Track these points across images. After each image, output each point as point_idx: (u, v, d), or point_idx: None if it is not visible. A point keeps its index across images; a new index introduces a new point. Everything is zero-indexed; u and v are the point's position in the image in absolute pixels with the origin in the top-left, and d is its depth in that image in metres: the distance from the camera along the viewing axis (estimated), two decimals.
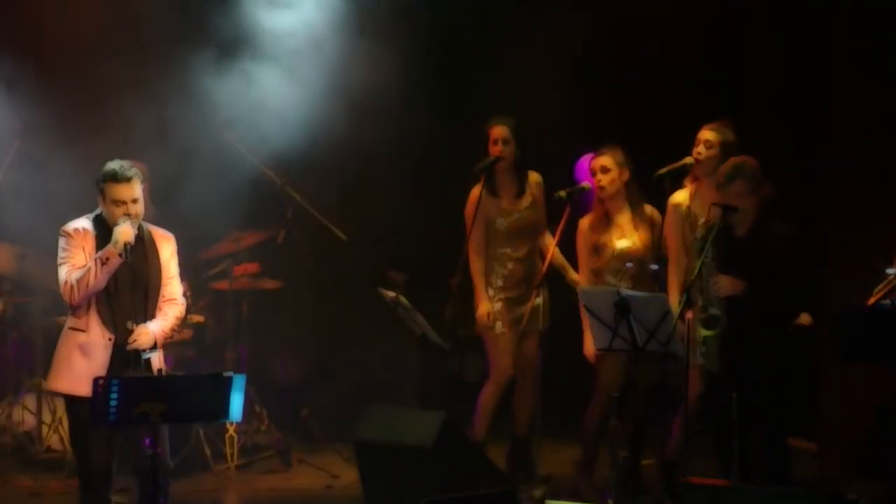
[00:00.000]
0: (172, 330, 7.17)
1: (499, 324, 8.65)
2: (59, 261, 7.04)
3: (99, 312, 7.02)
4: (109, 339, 6.99)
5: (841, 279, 8.63)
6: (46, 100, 9.63)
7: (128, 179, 7.01)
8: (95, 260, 6.94)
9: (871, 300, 7.17)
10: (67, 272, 7.00)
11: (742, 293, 7.43)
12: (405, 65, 10.00)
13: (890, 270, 7.07)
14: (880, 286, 7.18)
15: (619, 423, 8.13)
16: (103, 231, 7.04)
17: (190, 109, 9.76)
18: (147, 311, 7.09)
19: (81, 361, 6.99)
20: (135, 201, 7.02)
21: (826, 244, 9.24)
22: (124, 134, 9.64)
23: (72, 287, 6.95)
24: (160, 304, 7.16)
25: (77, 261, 6.99)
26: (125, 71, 9.74)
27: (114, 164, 7.06)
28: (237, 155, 9.66)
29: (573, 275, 8.66)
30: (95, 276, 6.93)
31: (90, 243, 7.04)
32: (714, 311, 7.45)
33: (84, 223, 7.08)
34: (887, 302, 7.09)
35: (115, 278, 7.00)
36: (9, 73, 9.44)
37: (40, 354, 9.36)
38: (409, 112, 10.20)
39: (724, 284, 7.44)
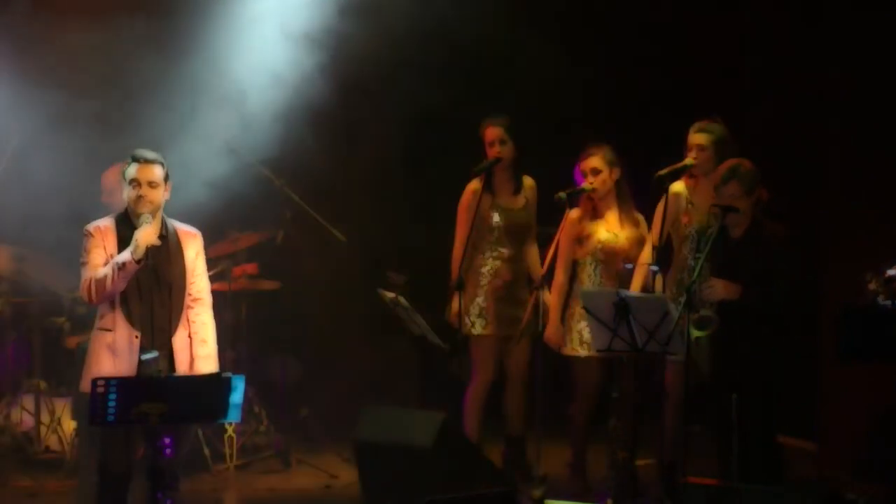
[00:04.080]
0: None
1: (480, 323, 8.62)
2: (81, 260, 7.08)
3: (124, 311, 7.02)
4: (136, 338, 6.99)
5: (840, 279, 8.62)
6: (46, 100, 9.64)
7: (149, 161, 7.08)
8: (113, 265, 6.95)
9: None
10: (87, 272, 7.02)
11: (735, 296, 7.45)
12: (404, 63, 10.01)
13: (891, 271, 7.06)
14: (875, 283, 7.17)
15: (618, 423, 8.15)
16: (124, 229, 7.06)
17: (187, 108, 9.76)
18: (172, 311, 7.10)
19: (109, 361, 6.99)
20: (151, 185, 7.05)
21: (825, 245, 9.25)
22: (123, 135, 9.66)
23: (90, 287, 6.98)
24: (188, 302, 7.19)
25: (97, 260, 7.01)
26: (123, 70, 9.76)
27: (138, 151, 7.13)
28: (235, 155, 9.65)
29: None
30: (113, 280, 6.94)
31: (111, 242, 7.05)
32: (706, 312, 7.44)
33: (106, 222, 7.11)
34: (887, 302, 7.08)
35: (137, 278, 7.00)
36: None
37: (39, 355, 9.36)
38: (410, 109, 10.21)
39: (718, 289, 7.44)
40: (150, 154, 7.10)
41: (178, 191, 9.05)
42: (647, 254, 8.19)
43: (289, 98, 9.79)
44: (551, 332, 8.42)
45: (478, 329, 8.60)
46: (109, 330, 7.04)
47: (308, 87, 9.72)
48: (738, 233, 7.54)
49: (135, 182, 7.05)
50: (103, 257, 7.01)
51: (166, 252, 7.09)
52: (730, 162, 7.59)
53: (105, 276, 6.94)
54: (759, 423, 7.45)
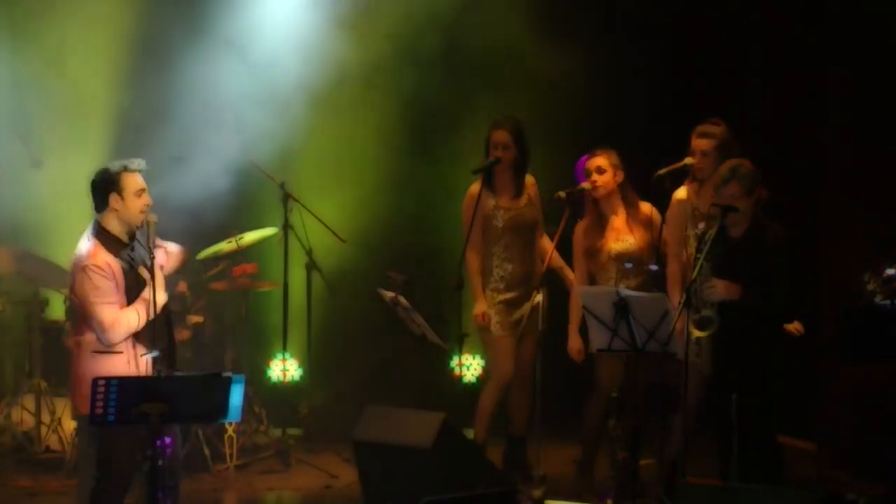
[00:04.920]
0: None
1: (497, 326, 8.60)
2: (96, 299, 6.85)
3: (134, 338, 6.95)
4: (142, 356, 6.94)
5: (840, 279, 8.62)
6: (45, 100, 9.64)
7: (141, 170, 7.01)
8: (148, 305, 6.88)
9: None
10: (111, 313, 6.87)
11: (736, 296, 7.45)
12: (405, 61, 10.02)
13: (890, 271, 7.06)
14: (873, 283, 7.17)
15: (618, 423, 8.14)
16: (114, 246, 6.93)
17: (188, 109, 9.76)
18: (168, 323, 7.13)
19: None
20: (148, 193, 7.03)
21: (825, 245, 9.24)
22: (122, 134, 9.67)
23: (122, 330, 6.86)
24: None
25: (114, 298, 6.87)
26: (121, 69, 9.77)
27: (121, 160, 7.00)
28: (236, 155, 9.66)
29: (570, 274, 8.64)
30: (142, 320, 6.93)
31: (118, 273, 6.90)
32: (707, 312, 7.44)
33: (98, 249, 6.89)
34: (886, 302, 7.08)
35: (130, 295, 6.93)
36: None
37: (39, 355, 9.35)
38: (409, 110, 10.20)
39: (719, 289, 7.43)
40: (143, 162, 7.05)
41: (179, 190, 9.11)
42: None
43: (293, 88, 9.84)
44: (571, 343, 8.40)
45: (497, 331, 8.58)
46: (119, 353, 6.92)
47: (316, 78, 9.79)
48: (738, 233, 7.53)
49: (141, 191, 6.97)
50: (117, 293, 6.87)
51: (153, 263, 7.01)
52: (730, 162, 7.58)
53: (139, 318, 6.89)
54: (759, 422, 7.45)
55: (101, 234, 6.97)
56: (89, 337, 6.97)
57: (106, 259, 6.91)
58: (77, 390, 7.03)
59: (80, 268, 6.92)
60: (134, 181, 6.96)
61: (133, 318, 6.91)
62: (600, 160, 8.39)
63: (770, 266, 7.42)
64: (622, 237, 8.39)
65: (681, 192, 8.20)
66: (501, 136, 8.63)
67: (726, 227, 7.49)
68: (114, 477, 6.98)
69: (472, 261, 8.61)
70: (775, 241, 7.48)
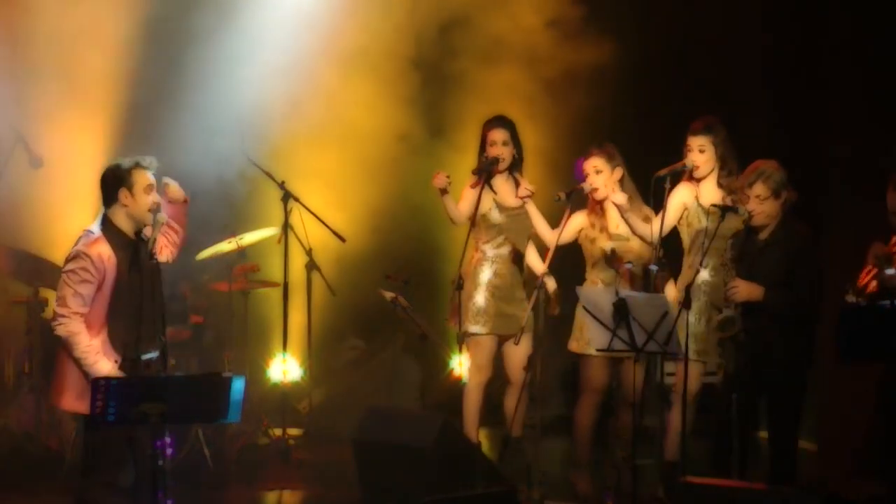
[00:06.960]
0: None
1: (478, 323, 8.58)
2: (69, 280, 6.82)
3: (112, 338, 6.92)
4: (115, 362, 6.92)
5: (840, 279, 8.61)
6: (45, 99, 9.65)
7: (152, 168, 7.03)
8: (95, 367, 6.80)
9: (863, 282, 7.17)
10: (73, 305, 6.83)
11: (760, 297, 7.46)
12: (407, 58, 10.03)
13: (890, 271, 7.07)
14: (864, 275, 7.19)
15: (618, 422, 8.14)
16: (120, 242, 6.94)
17: (188, 108, 9.78)
18: (163, 313, 7.06)
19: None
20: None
21: (825, 244, 9.24)
22: (122, 134, 9.68)
23: (66, 334, 6.82)
24: None
25: (87, 291, 6.81)
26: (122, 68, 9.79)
27: (133, 157, 7.01)
28: (236, 154, 9.66)
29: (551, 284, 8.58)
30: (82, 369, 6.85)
31: (111, 269, 6.89)
32: (729, 312, 7.45)
33: (102, 245, 6.88)
34: (887, 302, 7.09)
35: (124, 300, 6.90)
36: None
37: (38, 355, 9.36)
38: (411, 109, 10.22)
39: (742, 290, 7.44)
40: (155, 161, 7.07)
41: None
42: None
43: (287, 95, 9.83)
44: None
45: (476, 329, 8.59)
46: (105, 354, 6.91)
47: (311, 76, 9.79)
48: (765, 234, 7.55)
49: (150, 187, 6.99)
50: (93, 293, 6.84)
51: (155, 263, 7.02)
52: (757, 163, 7.59)
53: (85, 365, 6.82)
54: (781, 423, 7.48)
55: (108, 228, 6.99)
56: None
57: (100, 251, 6.89)
58: (59, 385, 7.01)
59: (74, 250, 6.92)
60: (144, 177, 6.99)
61: (72, 310, 6.81)
62: (596, 160, 8.38)
63: (794, 268, 7.44)
64: (618, 234, 8.40)
65: (685, 195, 8.18)
66: (499, 133, 8.64)
67: (752, 228, 7.51)
68: (98, 472, 6.96)
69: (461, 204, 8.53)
70: (801, 242, 7.50)
